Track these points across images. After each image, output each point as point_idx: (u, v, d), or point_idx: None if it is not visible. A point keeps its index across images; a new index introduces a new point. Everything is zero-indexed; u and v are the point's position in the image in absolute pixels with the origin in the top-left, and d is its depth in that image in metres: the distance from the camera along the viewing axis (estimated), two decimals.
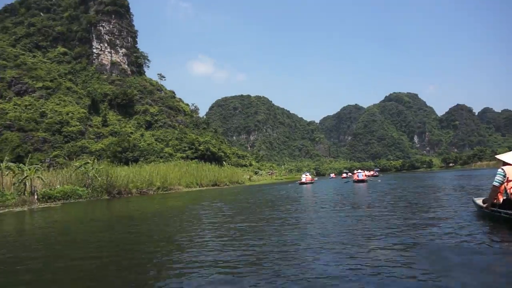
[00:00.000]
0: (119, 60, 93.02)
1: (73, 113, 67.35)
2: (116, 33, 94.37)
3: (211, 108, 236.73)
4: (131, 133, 72.35)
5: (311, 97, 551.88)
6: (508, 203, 5.98)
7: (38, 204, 22.92)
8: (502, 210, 6.01)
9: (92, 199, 25.89)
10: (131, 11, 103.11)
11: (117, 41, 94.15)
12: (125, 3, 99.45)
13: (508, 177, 5.94)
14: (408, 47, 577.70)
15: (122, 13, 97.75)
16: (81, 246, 7.06)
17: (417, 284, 3.52)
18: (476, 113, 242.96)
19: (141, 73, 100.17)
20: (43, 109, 64.47)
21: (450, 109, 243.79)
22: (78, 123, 65.59)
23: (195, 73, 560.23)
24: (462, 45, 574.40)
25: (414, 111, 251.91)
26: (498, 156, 6.56)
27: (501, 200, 6.24)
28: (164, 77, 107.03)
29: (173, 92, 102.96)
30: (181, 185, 38.04)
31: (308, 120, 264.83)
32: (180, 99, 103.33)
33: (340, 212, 9.98)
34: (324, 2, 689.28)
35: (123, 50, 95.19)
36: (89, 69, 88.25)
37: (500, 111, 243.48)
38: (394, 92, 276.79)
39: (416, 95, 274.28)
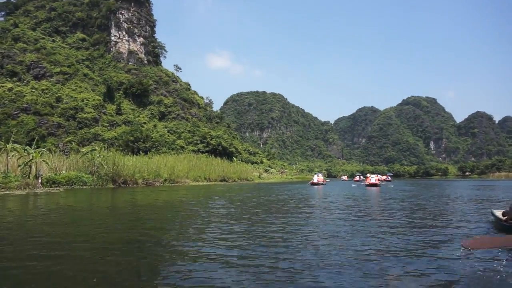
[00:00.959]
0: (136, 49, 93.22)
1: (88, 100, 67.75)
2: (135, 22, 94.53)
3: (225, 102, 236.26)
4: (144, 123, 72.34)
5: (327, 96, 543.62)
6: None
7: (42, 188, 22.52)
8: None
9: (97, 187, 25.38)
10: (150, 0, 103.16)
11: (135, 30, 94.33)
12: None
13: None
14: (429, 50, 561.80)
15: (142, 1, 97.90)
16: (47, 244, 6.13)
17: None
18: (497, 122, 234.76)
19: (157, 63, 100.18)
20: (59, 94, 64.99)
21: (469, 116, 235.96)
22: (92, 110, 65.92)
23: (211, 66, 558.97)
24: (486, 51, 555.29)
25: (432, 116, 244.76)
26: None
27: None
28: (180, 69, 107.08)
29: (189, 84, 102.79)
30: (188, 179, 37.35)
31: (323, 120, 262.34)
32: (195, 91, 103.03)
33: (355, 225, 8.82)
34: (344, 0, 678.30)
35: (141, 39, 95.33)
36: (106, 57, 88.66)
37: None
38: (412, 96, 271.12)
39: (435, 99, 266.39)
